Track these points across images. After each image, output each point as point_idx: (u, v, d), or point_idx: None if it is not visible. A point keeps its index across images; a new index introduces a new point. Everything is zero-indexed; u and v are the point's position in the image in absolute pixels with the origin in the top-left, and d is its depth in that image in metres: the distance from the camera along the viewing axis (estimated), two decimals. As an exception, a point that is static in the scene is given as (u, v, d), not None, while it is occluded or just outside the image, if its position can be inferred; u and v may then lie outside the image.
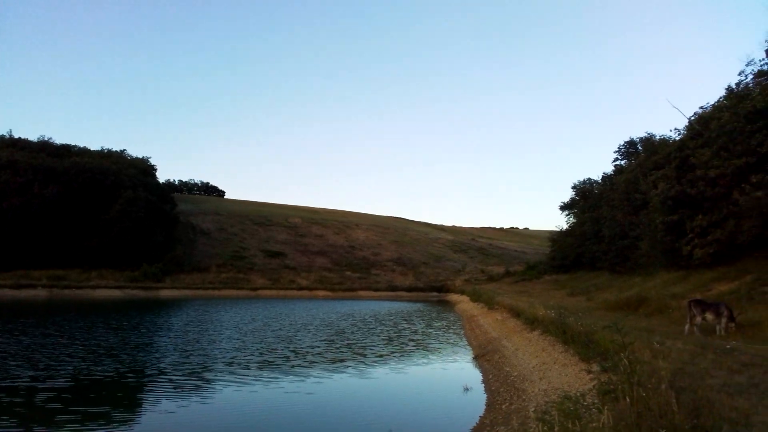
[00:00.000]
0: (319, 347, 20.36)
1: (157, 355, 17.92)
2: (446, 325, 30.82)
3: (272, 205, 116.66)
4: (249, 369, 15.72)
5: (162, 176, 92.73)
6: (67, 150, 76.09)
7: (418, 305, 50.30)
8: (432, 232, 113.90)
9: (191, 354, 18.00)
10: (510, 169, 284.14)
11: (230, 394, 12.73)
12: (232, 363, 16.54)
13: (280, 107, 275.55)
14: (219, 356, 17.71)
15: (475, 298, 41.14)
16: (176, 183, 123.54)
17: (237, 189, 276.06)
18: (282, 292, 63.35)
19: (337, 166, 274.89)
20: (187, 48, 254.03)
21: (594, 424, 5.55)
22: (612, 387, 6.46)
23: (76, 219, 61.84)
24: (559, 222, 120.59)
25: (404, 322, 32.08)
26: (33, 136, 77.97)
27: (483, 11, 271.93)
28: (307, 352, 19.18)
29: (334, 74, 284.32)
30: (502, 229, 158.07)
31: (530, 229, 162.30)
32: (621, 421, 4.94)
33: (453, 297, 58.61)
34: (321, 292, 65.03)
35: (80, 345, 19.28)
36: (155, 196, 72.00)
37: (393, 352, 19.78)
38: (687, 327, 13.83)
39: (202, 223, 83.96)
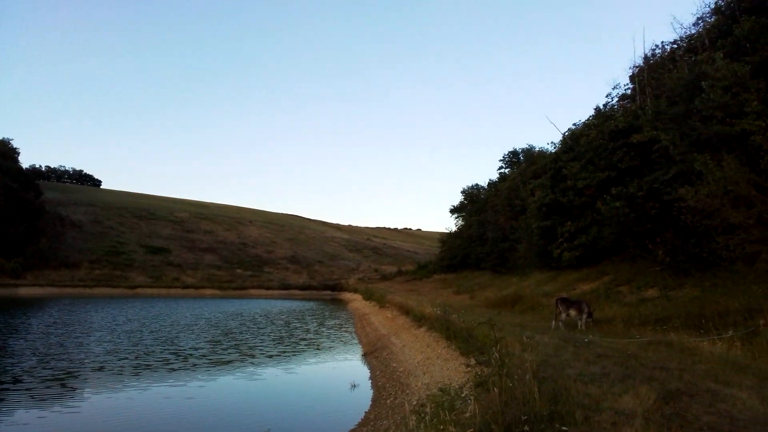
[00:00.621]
0: (203, 349, 19.33)
1: (11, 360, 15.86)
2: (338, 324, 30.90)
3: (156, 197, 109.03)
4: (122, 374, 14.49)
5: (26, 161, 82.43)
6: None
7: (311, 304, 49.89)
8: (328, 231, 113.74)
9: (53, 359, 16.17)
10: (407, 172, 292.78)
11: (99, 402, 11.67)
12: (102, 368, 15.16)
13: (166, 93, 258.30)
14: (86, 360, 16.11)
15: (368, 296, 41.74)
16: (43, 169, 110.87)
17: (115, 179, 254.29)
18: (165, 291, 59.31)
19: (230, 160, 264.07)
20: (59, 18, 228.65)
21: (467, 414, 5.86)
22: (484, 379, 6.88)
23: None
24: (449, 224, 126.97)
25: (296, 321, 31.64)
26: None
27: (375, 9, 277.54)
28: (189, 354, 18.12)
29: (228, 63, 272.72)
30: (396, 229, 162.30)
31: (423, 230, 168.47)
32: (489, 410, 5.27)
33: (346, 295, 58.94)
34: (209, 291, 61.94)
35: None
36: (16, 182, 63.75)
37: (283, 352, 19.37)
38: (554, 322, 15.20)
39: (73, 214, 76.01)
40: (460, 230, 61.04)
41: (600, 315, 15.82)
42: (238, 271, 73.36)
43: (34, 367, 14.81)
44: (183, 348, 19.31)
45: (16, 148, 72.97)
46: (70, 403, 11.37)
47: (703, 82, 17.52)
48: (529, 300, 22.61)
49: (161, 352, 18.25)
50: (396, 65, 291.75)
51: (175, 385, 13.29)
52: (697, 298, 14.53)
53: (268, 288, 66.88)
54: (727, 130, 16.02)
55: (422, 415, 5.82)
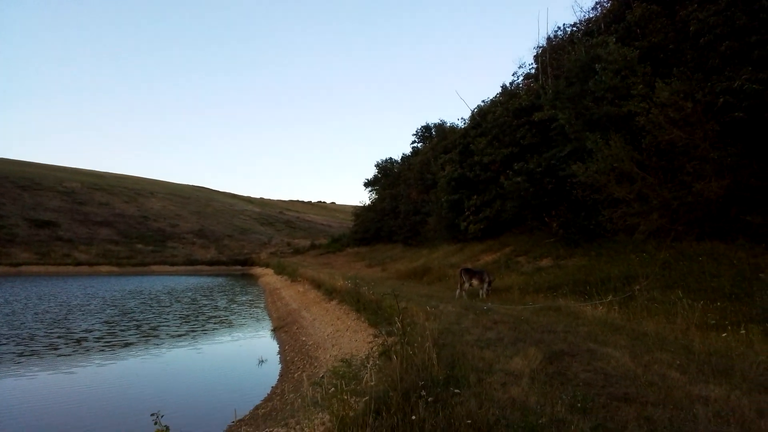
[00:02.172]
0: (98, 331, 17.91)
1: None
2: (248, 300, 30.16)
3: (42, 165, 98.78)
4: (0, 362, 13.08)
5: None
6: None
7: (220, 279, 48.23)
8: (238, 204, 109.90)
9: None
10: (321, 145, 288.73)
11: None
12: None
13: (53, 53, 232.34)
14: None
15: (280, 270, 41.09)
16: None
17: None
18: (53, 269, 54.33)
19: (130, 127, 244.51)
20: None
21: (371, 384, 5.93)
22: (387, 348, 7.01)
23: None
24: (363, 198, 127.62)
25: (204, 298, 30.41)
26: None
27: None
28: (82, 337, 16.70)
29: (133, 18, 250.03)
30: (310, 202, 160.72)
31: (337, 203, 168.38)
32: (389, 378, 5.36)
33: (257, 270, 57.63)
34: (105, 268, 57.67)
35: None
36: None
37: (190, 331, 18.45)
38: (458, 292, 15.86)
39: (-61, 183, 66.93)
40: (374, 204, 61.64)
41: (500, 284, 16.75)
42: (139, 246, 68.93)
43: None
44: (74, 331, 17.79)
45: None
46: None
47: (596, 65, 18.74)
48: (437, 271, 23.42)
49: (48, 335, 16.71)
50: (311, 34, 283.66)
51: (65, 372, 12.23)
52: (584, 266, 15.81)
53: (172, 264, 63.59)
54: (615, 110, 17.34)
55: (322, 387, 5.80)
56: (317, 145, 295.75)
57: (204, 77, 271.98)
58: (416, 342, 6.42)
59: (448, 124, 51.57)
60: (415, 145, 57.24)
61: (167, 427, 4.45)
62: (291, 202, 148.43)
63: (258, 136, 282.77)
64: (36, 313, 21.65)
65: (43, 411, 9.62)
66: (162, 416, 4.47)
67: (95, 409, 9.79)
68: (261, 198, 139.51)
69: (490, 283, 15.68)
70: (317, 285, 23.92)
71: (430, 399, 4.58)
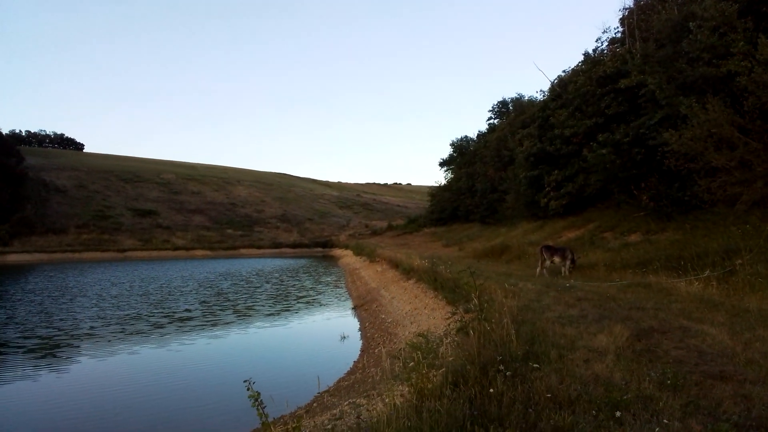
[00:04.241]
0: (196, 310, 19.33)
1: (6, 327, 15.92)
2: (331, 280, 31.23)
3: (142, 159, 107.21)
4: (111, 338, 14.53)
5: (5, 126, 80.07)
6: None
7: (303, 261, 50.27)
8: (317, 188, 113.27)
9: (39, 326, 16.11)
10: (396, 126, 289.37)
11: (87, 367, 11.64)
12: (90, 333, 15.09)
13: (149, 53, 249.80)
14: (73, 327, 16.05)
15: (358, 252, 42.07)
16: (23, 134, 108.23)
17: (99, 142, 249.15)
18: (155, 254, 59.32)
19: (217, 120, 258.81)
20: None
21: (449, 358, 5.99)
22: (465, 324, 7.01)
23: None
24: (439, 177, 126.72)
25: (289, 278, 31.90)
26: None
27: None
28: (181, 316, 18.07)
29: (214, 21, 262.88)
30: (386, 184, 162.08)
31: (412, 184, 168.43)
32: (465, 352, 5.38)
33: (337, 252, 59.39)
34: (199, 252, 62.04)
35: None
36: (-5, 148, 62.32)
37: (278, 310, 19.40)
38: (538, 269, 15.43)
39: (57, 179, 74.73)
40: (450, 183, 61.01)
41: (584, 261, 16.07)
42: (228, 231, 73.30)
43: (19, 336, 14.87)
44: (175, 310, 19.28)
45: (-8, 113, 70.97)
46: (60, 368, 11.44)
47: (690, 23, 17.15)
48: (516, 249, 22.89)
49: (152, 315, 18.24)
50: (382, 16, 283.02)
51: (168, 348, 13.31)
52: (678, 240, 14.75)
53: (258, 247, 67.09)
54: (713, 72, 15.82)
55: (401, 360, 5.93)
56: (392, 127, 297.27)
57: (286, 71, 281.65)
58: (494, 318, 6.37)
59: (526, 98, 49.59)
60: (491, 121, 55.73)
61: (258, 393, 4.77)
62: (367, 184, 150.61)
63: (334, 121, 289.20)
64: (140, 295, 23.73)
65: (151, 382, 10.65)
66: (254, 383, 4.79)
67: (196, 378, 10.69)
68: (339, 182, 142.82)
69: (573, 261, 15.09)
70: (395, 265, 24.26)
71: (508, 373, 4.56)
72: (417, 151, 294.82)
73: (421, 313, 13.75)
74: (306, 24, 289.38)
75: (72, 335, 14.55)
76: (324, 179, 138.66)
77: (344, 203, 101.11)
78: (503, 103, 54.87)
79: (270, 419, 4.81)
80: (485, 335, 5.78)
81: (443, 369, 4.69)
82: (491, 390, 4.23)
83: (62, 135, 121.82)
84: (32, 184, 68.27)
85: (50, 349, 12.93)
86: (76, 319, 17.23)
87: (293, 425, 5.07)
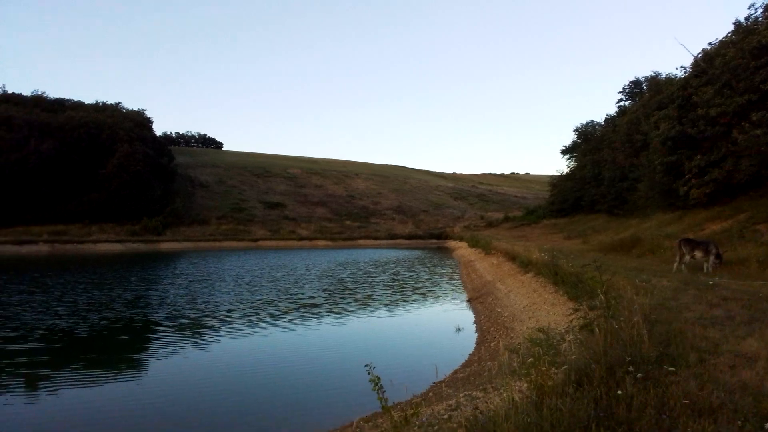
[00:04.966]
0: (319, 297, 20.43)
1: (154, 308, 18.27)
2: (444, 271, 31.27)
3: (271, 156, 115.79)
4: (246, 321, 15.95)
5: (158, 129, 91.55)
6: (61, 104, 74.85)
7: (418, 252, 50.86)
8: (432, 180, 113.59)
9: (185, 307, 18.14)
10: (513, 114, 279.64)
11: (226, 344, 12.91)
12: (228, 315, 16.59)
13: (277, 57, 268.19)
14: (214, 309, 17.80)
15: (473, 243, 41.53)
16: (173, 136, 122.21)
17: (235, 140, 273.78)
18: (282, 243, 63.96)
19: (337, 114, 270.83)
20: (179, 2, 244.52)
21: (571, 356, 5.71)
22: (589, 321, 6.60)
23: (73, 174, 61.72)
24: (560, 166, 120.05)
25: (405, 269, 32.50)
26: (26, 91, 76.62)
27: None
28: (306, 302, 19.18)
29: (330, 19, 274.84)
30: (502, 175, 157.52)
31: (531, 174, 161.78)
32: (590, 350, 5.07)
33: (452, 243, 59.16)
34: (321, 242, 65.64)
35: (77, 300, 19.66)
36: (152, 149, 71.42)
37: (395, 300, 19.88)
38: (675, 265, 13.97)
39: (201, 175, 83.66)
40: (573, 172, 57.61)
41: (731, 256, 14.25)
42: (347, 222, 76.54)
43: (171, 314, 16.90)
44: (301, 297, 20.45)
45: (149, 118, 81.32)
46: (204, 346, 12.81)
47: None
48: (648, 243, 20.95)
49: (281, 300, 19.63)
50: (494, 8, 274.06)
51: (295, 332, 14.23)
52: None
53: (375, 238, 69.17)
54: None
55: (518, 355, 5.77)
56: (509, 115, 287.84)
57: (403, 64, 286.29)
58: (622, 317, 5.92)
59: (663, 76, 44.86)
60: (621, 103, 51.37)
61: (378, 378, 4.96)
62: (483, 175, 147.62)
63: (449, 111, 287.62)
64: (270, 282, 25.71)
65: (280, 362, 11.54)
66: (374, 368, 4.99)
67: (320, 361, 11.38)
68: (453, 173, 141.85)
69: (718, 256, 13.44)
70: (511, 257, 23.56)
71: (639, 375, 4.22)
72: (536, 138, 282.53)
73: (539, 308, 13.22)
74: (420, 16, 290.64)
75: (213, 317, 16.19)
76: (439, 170, 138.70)
77: (459, 194, 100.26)
78: (636, 83, 50.27)
79: (389, 404, 4.99)
80: (612, 334, 5.40)
81: (565, 367, 4.48)
82: (619, 392, 3.96)
83: (205, 135, 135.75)
84: (180, 180, 77.23)
85: (195, 329, 14.49)
86: (216, 302, 19.12)
87: (411, 412, 5.19)
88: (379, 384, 4.95)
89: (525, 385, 5.28)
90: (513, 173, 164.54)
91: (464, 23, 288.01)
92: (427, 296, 21.12)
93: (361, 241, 67.47)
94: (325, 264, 36.42)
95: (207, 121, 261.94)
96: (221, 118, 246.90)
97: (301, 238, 66.85)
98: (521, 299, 15.42)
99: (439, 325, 15.60)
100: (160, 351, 12.21)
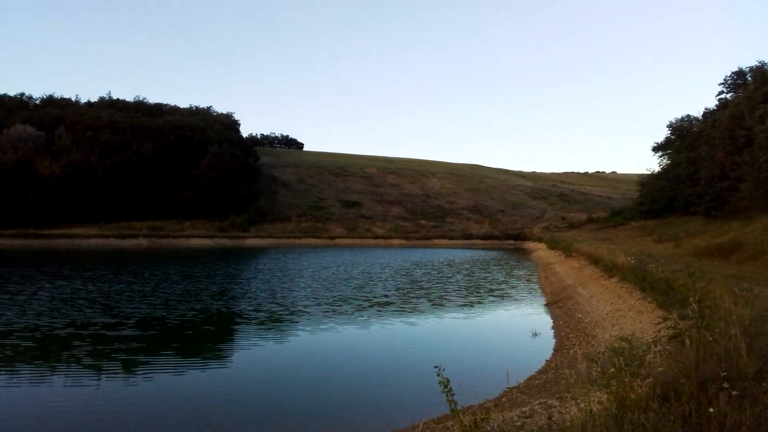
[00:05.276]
0: (393, 296, 20.55)
1: (237, 300, 19.27)
2: (521, 274, 30.37)
3: (349, 155, 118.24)
4: (322, 316, 16.33)
5: (245, 131, 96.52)
6: (159, 109, 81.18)
7: (494, 253, 49.79)
8: (510, 179, 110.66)
9: (266, 301, 18.91)
10: (598, 110, 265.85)
11: (303, 338, 13.30)
12: (304, 311, 17.09)
13: (356, 59, 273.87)
14: (292, 304, 18.43)
15: (553, 245, 39.95)
16: (258, 137, 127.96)
17: (315, 141, 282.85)
18: (358, 241, 65.15)
19: (414, 113, 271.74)
20: (265, 8, 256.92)
21: (659, 369, 5.31)
22: (679, 331, 6.10)
23: (169, 174, 66.70)
24: (651, 164, 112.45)
25: (481, 271, 31.95)
26: (129, 97, 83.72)
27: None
28: (380, 301, 19.34)
29: (408, 22, 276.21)
30: (586, 173, 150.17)
31: (618, 172, 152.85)
32: (679, 363, 4.68)
33: (530, 245, 57.32)
34: (396, 241, 66.10)
35: (172, 290, 21.19)
36: (239, 150, 75.52)
37: (470, 302, 19.58)
38: (785, 274, 12.60)
39: (283, 175, 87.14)
40: (665, 170, 53.81)
41: None
42: (422, 221, 76.49)
43: (253, 307, 17.72)
44: (375, 295, 20.64)
45: (237, 121, 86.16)
46: (282, 339, 13.31)
47: None
48: (751, 248, 19.05)
49: (356, 297, 19.93)
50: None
51: (368, 330, 14.40)
52: None
53: (450, 238, 68.56)
54: None
55: (598, 364, 5.44)
56: (594, 110, 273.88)
57: (478, 61, 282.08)
58: (718, 328, 5.41)
59: (772, 65, 40.64)
60: (722, 96, 47.19)
61: (448, 380, 4.88)
62: (565, 174, 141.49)
63: (529, 110, 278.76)
64: (345, 279, 26.20)
65: (352, 358, 11.75)
66: (443, 369, 4.92)
67: (391, 360, 11.46)
68: (533, 172, 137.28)
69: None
70: (594, 261, 22.38)
71: (734, 392, 3.83)
72: (624, 135, 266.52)
73: (624, 316, 12.45)
74: (498, 12, 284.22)
75: (291, 311, 16.79)
76: (517, 169, 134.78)
77: (538, 194, 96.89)
78: (739, 74, 45.97)
79: (459, 407, 4.90)
80: (706, 346, 4.95)
81: (650, 379, 4.17)
82: (711, 409, 3.62)
83: (287, 136, 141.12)
84: (264, 179, 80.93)
85: (274, 322, 15.08)
86: (294, 297, 19.81)
87: (481, 416, 5.07)
88: (448, 386, 4.87)
89: (605, 396, 4.99)
90: (598, 172, 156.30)
91: (544, 17, 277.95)
92: (503, 299, 20.60)
93: (435, 241, 67.17)
94: (400, 263, 36.63)
95: (289, 123, 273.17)
96: (303, 119, 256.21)
97: (377, 237, 67.74)
98: (604, 305, 14.61)
99: (514, 329, 15.16)
100: (242, 342, 12.86)
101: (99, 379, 9.60)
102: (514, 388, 8.90)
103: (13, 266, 29.56)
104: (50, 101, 78.68)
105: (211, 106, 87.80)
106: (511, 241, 66.44)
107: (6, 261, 33.34)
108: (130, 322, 14.38)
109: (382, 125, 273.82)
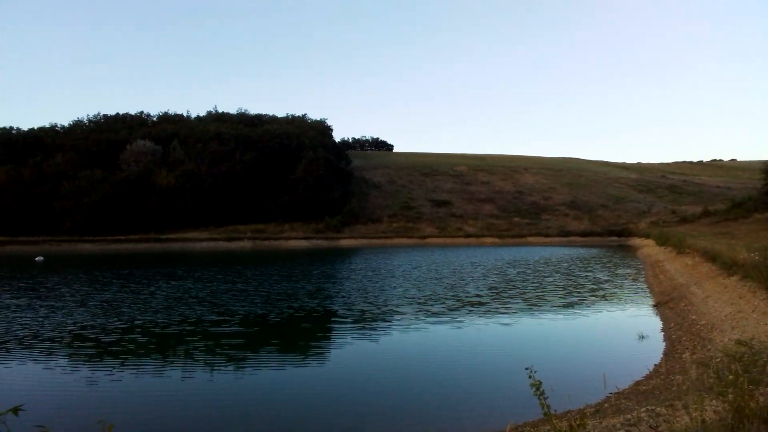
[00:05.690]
0: (485, 296, 20.12)
1: (332, 299, 19.93)
2: (626, 272, 28.40)
3: (438, 155, 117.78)
4: (413, 316, 16.38)
5: (337, 135, 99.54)
6: (259, 119, 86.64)
7: (594, 251, 47.01)
8: (612, 172, 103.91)
9: (358, 300, 19.34)
10: (714, 92, 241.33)
11: (394, 337, 13.44)
12: (396, 310, 17.21)
13: (445, 58, 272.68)
14: (384, 303, 18.68)
15: (662, 241, 36.84)
16: (350, 141, 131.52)
17: (405, 142, 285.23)
18: (449, 240, 64.60)
19: (504, 109, 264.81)
20: (352, 17, 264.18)
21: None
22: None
23: (269, 180, 70.79)
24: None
25: (580, 269, 30.31)
26: (233, 109, 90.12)
27: None
28: (472, 300, 19.02)
29: (489, 12, 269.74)
30: (700, 162, 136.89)
31: (738, 160, 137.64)
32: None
33: (635, 241, 53.36)
34: (488, 239, 64.69)
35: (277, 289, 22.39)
36: (332, 154, 78.26)
37: (569, 302, 18.68)
38: None
39: (374, 176, 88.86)
40: (796, 155, 47.52)
41: None
42: (515, 219, 74.16)
43: (347, 307, 18.21)
44: (467, 295, 20.30)
45: (330, 126, 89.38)
46: (374, 337, 13.51)
47: None
48: None
49: (447, 298, 19.67)
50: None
51: (460, 330, 14.23)
52: None
53: (546, 235, 65.74)
54: None
55: (711, 369, 4.92)
56: (709, 94, 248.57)
57: (576, 54, 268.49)
58: None
59: None
60: None
61: (540, 382, 4.69)
62: (675, 164, 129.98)
63: (633, 94, 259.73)
64: (436, 278, 26.06)
65: (444, 358, 11.66)
66: (535, 372, 4.73)
67: (482, 360, 11.23)
68: (638, 163, 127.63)
69: None
70: (711, 257, 20.31)
71: None
72: (745, 119, 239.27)
73: (746, 318, 11.17)
74: (595, 5, 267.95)
75: (383, 310, 17.01)
76: (620, 161, 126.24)
77: (644, 186, 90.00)
78: None
79: (554, 411, 4.67)
80: None
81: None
82: None
83: (377, 138, 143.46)
84: (356, 181, 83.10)
85: (367, 321, 15.36)
86: (386, 296, 20.06)
87: (577, 422, 4.81)
88: (540, 389, 4.67)
89: (720, 405, 4.50)
90: (714, 160, 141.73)
91: (651, 5, 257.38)
92: (606, 299, 19.37)
93: (530, 239, 64.77)
94: (492, 262, 35.80)
95: (380, 125, 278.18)
96: (393, 121, 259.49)
97: (468, 236, 66.74)
98: (723, 306, 13.21)
99: (617, 331, 14.20)
100: (337, 340, 13.29)
101: (211, 373, 10.38)
102: (618, 393, 8.34)
103: (136, 268, 32.96)
104: (165, 117, 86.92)
105: (305, 114, 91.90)
106: (615, 238, 62.29)
107: (131, 263, 37.27)
108: (235, 319, 15.42)
109: (472, 123, 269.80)
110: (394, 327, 14.47)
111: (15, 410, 2.49)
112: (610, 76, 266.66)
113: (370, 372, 10.48)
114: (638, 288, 21.94)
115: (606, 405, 7.88)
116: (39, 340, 12.92)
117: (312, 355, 12.17)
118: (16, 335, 13.38)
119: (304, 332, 14.31)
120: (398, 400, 8.73)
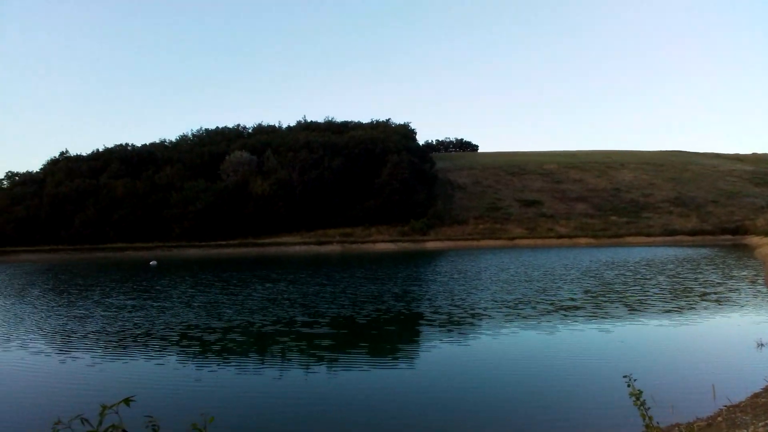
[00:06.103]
0: (580, 300, 19.08)
1: (418, 302, 19.96)
2: (743, 274, 25.72)
3: (525, 153, 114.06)
4: (502, 319, 15.96)
5: (420, 138, 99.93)
6: (345, 126, 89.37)
7: (704, 251, 43.02)
8: (723, 164, 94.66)
9: (444, 303, 19.06)
10: None
11: (483, 341, 13.11)
12: (484, 313, 16.83)
13: (529, 54, 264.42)
14: (471, 306, 18.28)
15: (786, 240, 32.93)
16: (433, 143, 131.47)
17: (490, 142, 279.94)
18: (540, 241, 62.22)
19: (596, 103, 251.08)
20: (432, 22, 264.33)
21: None
22: None
23: (356, 184, 72.68)
24: None
25: (688, 271, 27.87)
26: (320, 118, 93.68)
27: None
28: (565, 305, 18.08)
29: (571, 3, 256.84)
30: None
31: None
32: None
33: (752, 240, 48.15)
34: (582, 240, 61.48)
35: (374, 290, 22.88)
36: (416, 157, 78.77)
37: (675, 306, 17.27)
38: None
39: (458, 178, 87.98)
40: None
41: None
42: (612, 218, 69.85)
43: (433, 310, 18.11)
44: (560, 299, 19.35)
45: (413, 130, 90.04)
46: (461, 341, 13.29)
47: None
48: None
49: (539, 302, 18.75)
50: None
51: (553, 336, 13.59)
52: None
53: (647, 235, 61.27)
54: None
55: None
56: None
57: (665, 38, 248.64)
58: None
59: None
60: None
61: (640, 392, 4.42)
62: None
63: (742, 84, 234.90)
64: (525, 281, 25.09)
65: (534, 365, 11.24)
66: (635, 380, 4.47)
67: (574, 367, 10.68)
68: (754, 153, 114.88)
69: None
70: None
71: None
72: None
73: None
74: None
75: (470, 314, 16.69)
76: (732, 152, 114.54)
77: (762, 179, 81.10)
78: None
79: (655, 423, 4.37)
80: None
81: None
82: None
83: (461, 139, 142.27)
84: (441, 184, 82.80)
85: (454, 325, 15.12)
86: (473, 299, 19.62)
87: (684, 436, 4.45)
88: (640, 399, 4.39)
89: None
90: None
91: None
92: (721, 303, 17.65)
93: (629, 239, 60.66)
94: (587, 263, 33.96)
95: (463, 126, 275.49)
96: (476, 121, 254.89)
97: (560, 236, 63.90)
98: None
99: (732, 339, 12.88)
100: (424, 343, 13.26)
101: (305, 372, 10.79)
102: (732, 406, 7.57)
103: (234, 271, 35.21)
104: (259, 129, 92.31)
105: (389, 119, 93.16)
106: (728, 236, 56.71)
107: (230, 266, 39.90)
108: (324, 320, 15.94)
109: (561, 119, 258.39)
110: (483, 331, 14.17)
111: (126, 401, 2.71)
112: (713, 60, 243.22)
113: (460, 376, 10.34)
114: (758, 292, 19.76)
115: (719, 419, 7.19)
116: (151, 337, 14.19)
117: (401, 357, 12.25)
118: (132, 333, 14.80)
119: (391, 335, 14.46)
120: (488, 408, 8.55)
